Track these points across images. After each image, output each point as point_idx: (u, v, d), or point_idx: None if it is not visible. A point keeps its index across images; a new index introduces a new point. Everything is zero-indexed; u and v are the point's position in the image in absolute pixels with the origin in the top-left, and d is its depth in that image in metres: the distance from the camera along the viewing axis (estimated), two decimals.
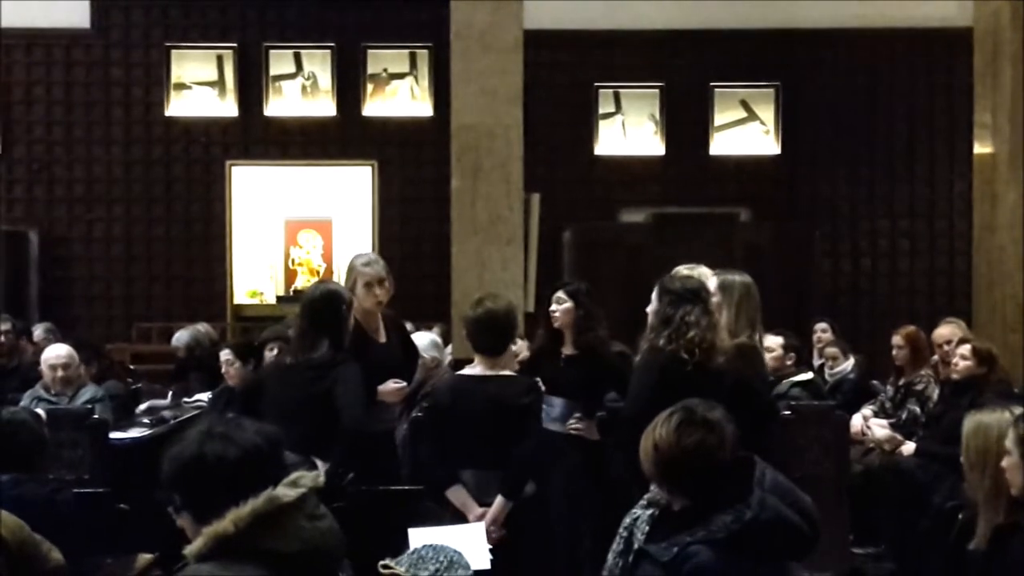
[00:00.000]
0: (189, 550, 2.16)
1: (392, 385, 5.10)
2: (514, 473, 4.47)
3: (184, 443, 2.25)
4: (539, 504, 4.58)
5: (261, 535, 2.13)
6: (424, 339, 6.51)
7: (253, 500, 2.13)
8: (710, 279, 4.89)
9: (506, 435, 4.42)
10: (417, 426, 5.65)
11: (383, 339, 5.30)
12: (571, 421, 5.17)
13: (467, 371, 4.63)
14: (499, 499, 4.42)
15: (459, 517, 4.44)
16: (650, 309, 4.70)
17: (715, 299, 4.80)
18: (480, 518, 4.41)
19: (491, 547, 4.15)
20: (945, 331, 7.67)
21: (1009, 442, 3.46)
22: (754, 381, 4.68)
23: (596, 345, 5.33)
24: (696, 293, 4.60)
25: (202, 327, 9.27)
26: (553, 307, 5.32)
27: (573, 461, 5.15)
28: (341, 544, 2.28)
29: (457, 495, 4.46)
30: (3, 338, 8.20)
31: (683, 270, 4.94)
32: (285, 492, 2.17)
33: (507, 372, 4.64)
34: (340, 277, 11.09)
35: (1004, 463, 3.48)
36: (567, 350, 5.33)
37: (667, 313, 4.55)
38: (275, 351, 6.36)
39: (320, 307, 4.90)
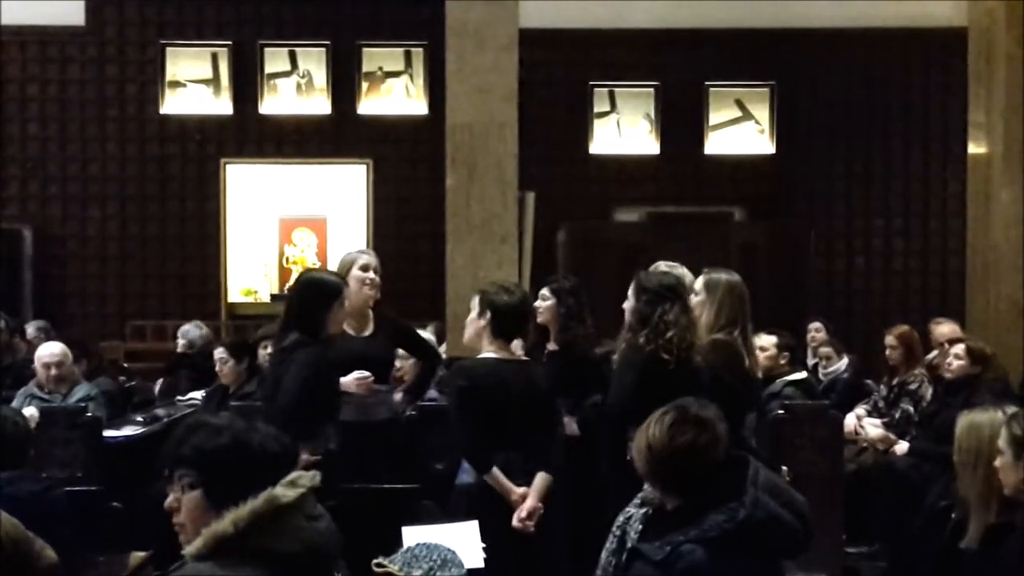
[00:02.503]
0: (188, 550, 2.16)
1: (352, 377, 5.06)
2: (556, 449, 4.51)
3: (222, 425, 2.25)
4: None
5: (260, 535, 2.13)
6: None
7: (252, 500, 2.13)
8: (687, 279, 4.91)
9: (534, 417, 4.47)
10: (423, 419, 5.68)
11: (367, 333, 5.30)
12: None
13: (491, 355, 4.53)
14: (543, 475, 4.44)
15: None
16: (627, 306, 4.71)
17: (700, 297, 4.82)
18: (523, 497, 4.40)
19: (484, 545, 4.15)
20: (946, 329, 7.70)
21: (1002, 442, 3.48)
22: (726, 376, 4.65)
23: (577, 342, 5.35)
24: (673, 290, 4.61)
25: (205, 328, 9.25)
26: (537, 303, 5.34)
27: None
28: (338, 544, 2.28)
29: (496, 478, 4.43)
30: None
31: (662, 266, 4.94)
32: (284, 492, 2.16)
33: (524, 357, 4.69)
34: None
35: (997, 462, 3.49)
36: (550, 346, 5.37)
37: (645, 312, 4.57)
38: (269, 350, 6.36)
39: (300, 297, 4.87)
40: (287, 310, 4.89)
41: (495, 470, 4.44)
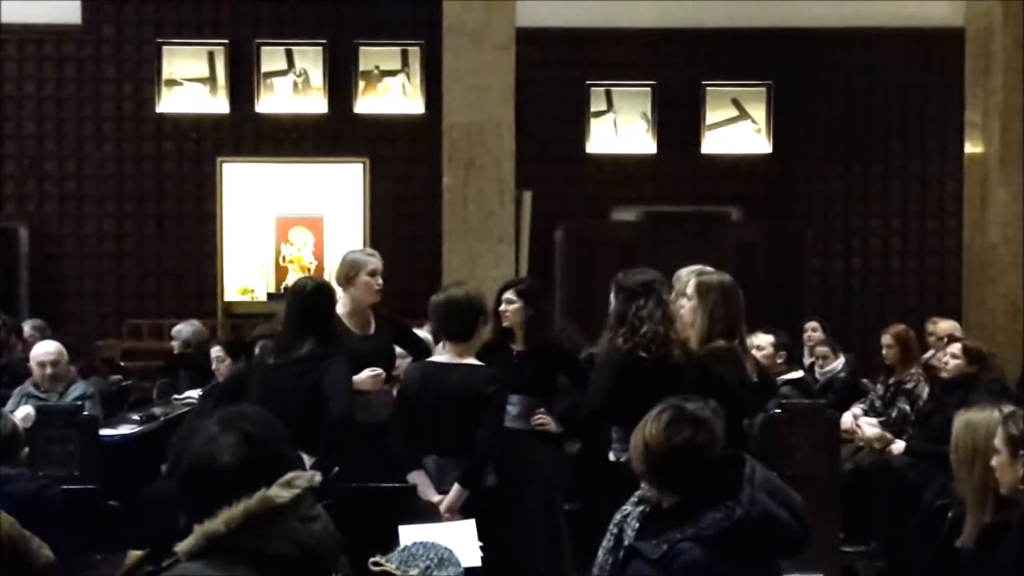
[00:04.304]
0: (180, 547, 2.14)
1: (366, 374, 5.09)
2: (473, 462, 4.50)
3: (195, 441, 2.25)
4: (520, 499, 4.60)
5: (252, 535, 2.10)
6: None
7: (246, 500, 2.11)
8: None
9: (467, 423, 4.46)
10: None
11: (371, 332, 5.32)
12: (536, 417, 5.17)
13: (436, 358, 4.72)
14: (456, 487, 4.48)
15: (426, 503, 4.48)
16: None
17: (692, 302, 4.78)
18: (438, 503, 4.46)
19: (482, 544, 4.16)
20: (946, 325, 7.70)
21: (998, 441, 3.47)
22: (734, 384, 4.62)
23: (548, 341, 5.34)
24: (648, 285, 4.62)
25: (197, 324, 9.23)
26: (503, 307, 5.29)
27: (546, 453, 5.16)
28: (336, 545, 2.25)
29: (418, 480, 4.52)
30: None
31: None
32: (279, 493, 2.14)
33: (472, 361, 4.66)
34: (331, 275, 11.08)
35: (993, 462, 3.48)
36: (517, 347, 5.31)
37: (621, 310, 4.59)
38: None
39: (307, 305, 4.92)
40: (300, 319, 4.91)
41: (416, 473, 4.51)
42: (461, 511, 4.46)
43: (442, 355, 4.67)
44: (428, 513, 4.48)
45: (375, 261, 5.36)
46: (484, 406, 4.51)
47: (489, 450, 4.54)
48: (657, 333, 4.49)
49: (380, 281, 5.32)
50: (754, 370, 4.88)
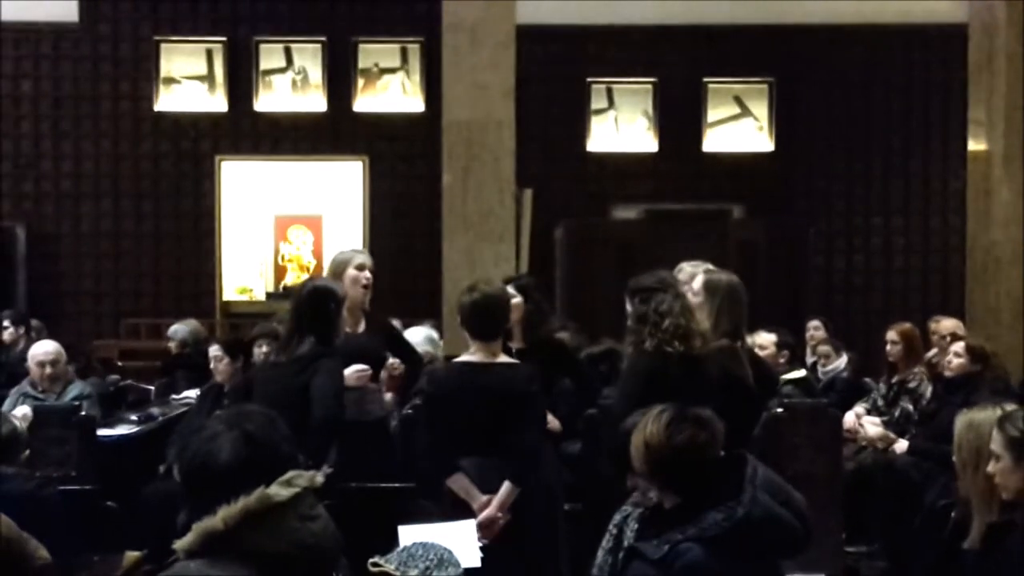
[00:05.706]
0: (179, 545, 2.14)
1: (351, 370, 5.06)
2: (524, 459, 4.45)
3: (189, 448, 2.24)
4: (525, 499, 4.56)
5: (250, 534, 2.10)
6: (419, 334, 6.49)
7: (245, 498, 2.10)
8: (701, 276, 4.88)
9: (508, 422, 4.40)
10: (410, 421, 5.64)
11: (360, 331, 5.32)
12: None
13: (465, 358, 4.57)
14: (507, 485, 4.40)
15: (458, 507, 4.40)
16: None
17: (699, 299, 4.78)
18: (485, 505, 4.38)
19: (482, 544, 4.13)
20: (949, 324, 7.68)
21: (997, 446, 3.41)
22: (736, 371, 4.64)
23: (548, 338, 5.37)
24: (663, 282, 4.63)
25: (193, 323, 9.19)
26: None
27: (544, 452, 5.14)
28: (336, 545, 2.25)
29: (459, 483, 4.42)
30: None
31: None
32: (278, 492, 2.14)
33: (507, 359, 4.63)
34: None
35: (992, 468, 3.43)
36: (516, 344, 5.30)
37: (640, 310, 4.57)
38: (264, 348, 6.32)
39: (309, 305, 4.92)
40: (298, 318, 4.90)
41: (458, 476, 4.43)
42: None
43: (472, 355, 4.56)
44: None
45: (362, 256, 5.39)
46: (527, 404, 4.47)
47: (538, 448, 4.52)
48: (679, 325, 4.50)
49: (368, 275, 5.33)
50: (750, 371, 4.86)
